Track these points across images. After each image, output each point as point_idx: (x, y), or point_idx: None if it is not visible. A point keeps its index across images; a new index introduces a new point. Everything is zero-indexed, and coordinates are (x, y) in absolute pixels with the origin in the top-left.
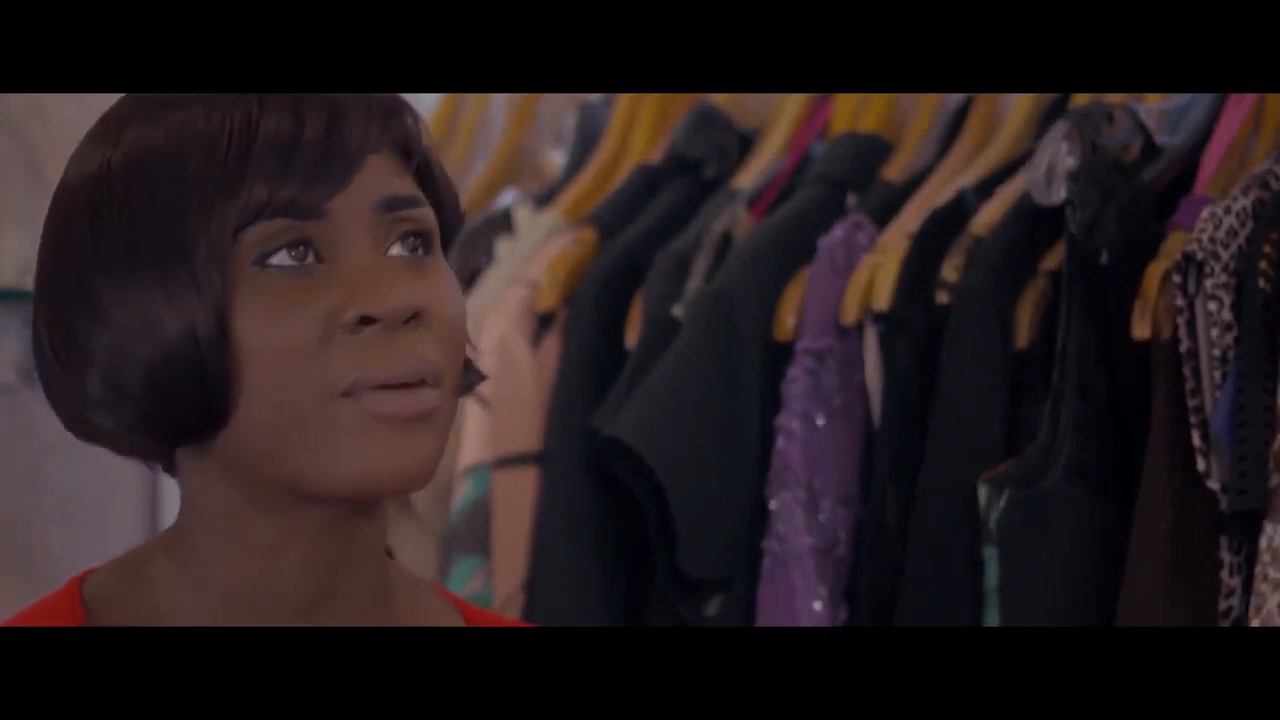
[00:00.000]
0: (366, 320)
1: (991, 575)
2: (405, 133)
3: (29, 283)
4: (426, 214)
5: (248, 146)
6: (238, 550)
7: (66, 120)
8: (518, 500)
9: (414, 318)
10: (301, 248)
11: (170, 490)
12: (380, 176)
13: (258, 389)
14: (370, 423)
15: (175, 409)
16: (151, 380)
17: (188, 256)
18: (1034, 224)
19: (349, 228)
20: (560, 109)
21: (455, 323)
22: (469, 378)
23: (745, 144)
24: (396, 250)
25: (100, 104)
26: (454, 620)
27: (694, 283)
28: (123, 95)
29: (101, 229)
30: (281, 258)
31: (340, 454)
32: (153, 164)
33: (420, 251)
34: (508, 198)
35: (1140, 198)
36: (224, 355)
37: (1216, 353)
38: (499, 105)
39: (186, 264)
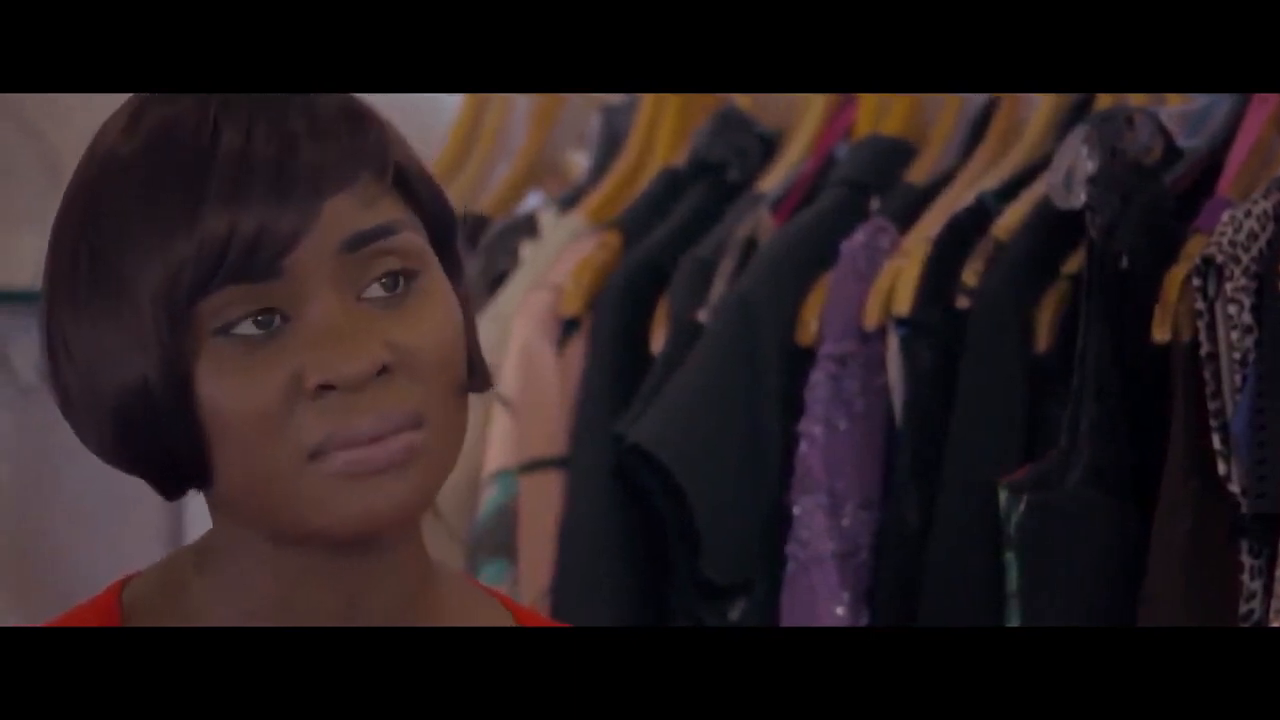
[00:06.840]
0: (327, 387)
1: (1012, 579)
2: (369, 160)
3: None
4: (403, 240)
5: (196, 201)
6: (263, 575)
7: (86, 121)
8: (543, 505)
9: (382, 372)
10: (265, 314)
11: (193, 496)
12: (342, 215)
13: (230, 453)
14: (336, 482)
15: (145, 452)
16: (118, 417)
17: (135, 303)
18: (1055, 228)
19: (311, 280)
20: (583, 111)
21: (438, 350)
22: (476, 381)
23: (768, 145)
24: (374, 291)
25: (119, 105)
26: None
27: (718, 288)
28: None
29: (59, 250)
30: (246, 327)
31: (315, 510)
32: (112, 182)
33: (402, 283)
34: (532, 200)
35: (1160, 201)
36: (184, 411)
37: (1236, 356)
38: (522, 108)
39: (134, 310)
